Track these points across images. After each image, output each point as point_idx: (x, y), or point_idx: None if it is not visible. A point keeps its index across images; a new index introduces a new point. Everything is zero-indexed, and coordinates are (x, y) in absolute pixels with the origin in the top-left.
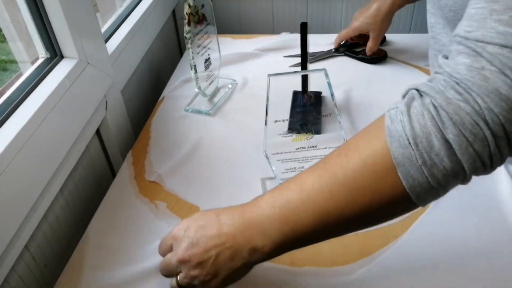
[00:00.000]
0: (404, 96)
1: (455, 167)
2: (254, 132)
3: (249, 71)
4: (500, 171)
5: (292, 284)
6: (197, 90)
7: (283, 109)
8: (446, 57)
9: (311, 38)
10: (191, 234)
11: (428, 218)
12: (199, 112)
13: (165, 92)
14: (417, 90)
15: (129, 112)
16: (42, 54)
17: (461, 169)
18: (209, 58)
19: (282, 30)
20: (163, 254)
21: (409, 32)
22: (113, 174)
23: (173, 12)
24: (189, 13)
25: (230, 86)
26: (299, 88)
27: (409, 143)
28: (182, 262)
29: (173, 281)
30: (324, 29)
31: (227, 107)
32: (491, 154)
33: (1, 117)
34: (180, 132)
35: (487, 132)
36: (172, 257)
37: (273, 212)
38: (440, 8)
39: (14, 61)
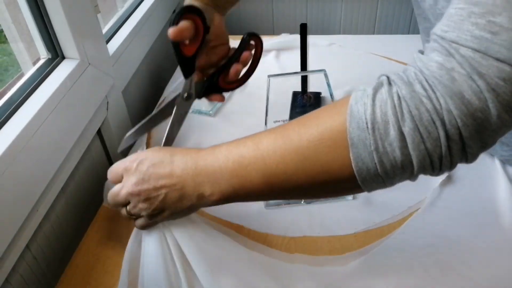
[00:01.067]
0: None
1: (404, 160)
2: (254, 132)
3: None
4: (498, 173)
5: (285, 271)
6: None
7: (283, 110)
8: (422, 53)
9: (311, 39)
10: (143, 169)
11: (423, 217)
12: (199, 112)
13: (166, 93)
14: (388, 77)
15: (130, 112)
16: (44, 54)
17: (410, 164)
18: None
19: (282, 31)
20: (113, 180)
21: (408, 33)
22: None
23: (174, 12)
24: None
25: None
26: (299, 89)
27: (367, 126)
28: (131, 195)
29: (123, 210)
30: (323, 30)
31: (227, 107)
32: (441, 155)
33: (3, 118)
34: (180, 132)
35: (442, 133)
36: (121, 189)
37: (225, 164)
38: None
39: (15, 62)
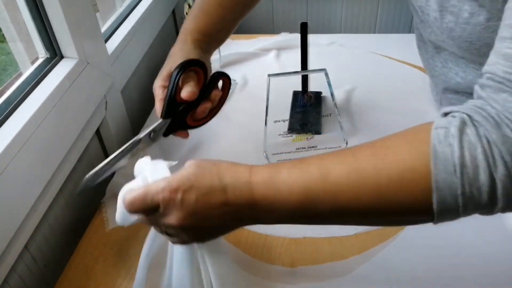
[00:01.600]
0: (445, 115)
1: (489, 203)
2: (254, 132)
3: (249, 71)
4: None
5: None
6: None
7: (283, 109)
8: (481, 87)
9: (311, 38)
10: (191, 202)
11: None
12: None
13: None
14: (469, 116)
15: (129, 112)
16: (42, 54)
17: (494, 205)
18: None
19: (282, 30)
20: (135, 211)
21: (409, 32)
22: (113, 174)
23: (173, 12)
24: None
25: (231, 86)
26: (299, 88)
27: (455, 170)
28: (177, 229)
29: (156, 228)
30: (324, 29)
31: (227, 107)
32: None
33: (1, 117)
34: None
35: None
36: (164, 220)
37: (289, 197)
38: (453, 39)
39: (13, 61)
